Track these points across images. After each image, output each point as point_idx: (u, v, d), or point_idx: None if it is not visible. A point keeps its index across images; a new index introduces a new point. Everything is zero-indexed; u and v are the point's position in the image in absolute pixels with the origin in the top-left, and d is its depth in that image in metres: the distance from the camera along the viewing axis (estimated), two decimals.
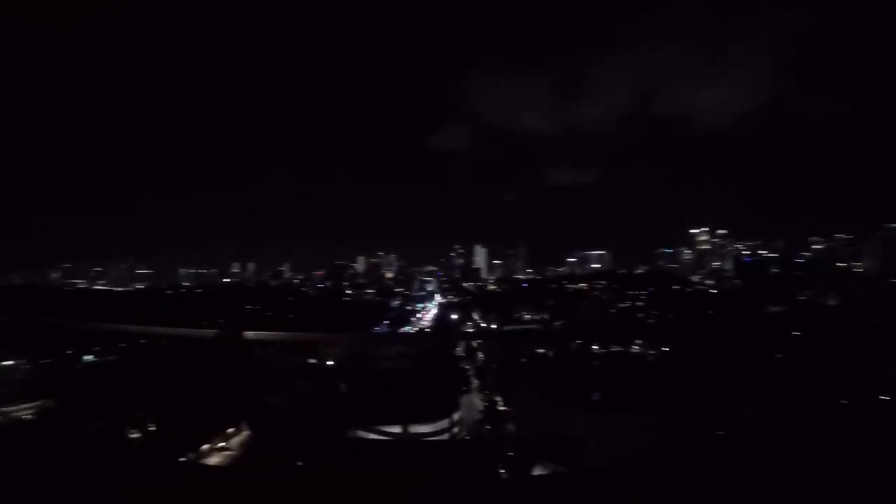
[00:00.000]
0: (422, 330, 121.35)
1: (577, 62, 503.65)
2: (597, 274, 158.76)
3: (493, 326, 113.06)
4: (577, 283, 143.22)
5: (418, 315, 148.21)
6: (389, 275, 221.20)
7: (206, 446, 39.97)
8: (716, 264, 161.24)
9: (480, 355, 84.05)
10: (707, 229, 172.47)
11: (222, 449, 41.06)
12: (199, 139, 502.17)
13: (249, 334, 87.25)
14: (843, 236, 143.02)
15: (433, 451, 34.69)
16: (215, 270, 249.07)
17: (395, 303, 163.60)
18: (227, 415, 43.88)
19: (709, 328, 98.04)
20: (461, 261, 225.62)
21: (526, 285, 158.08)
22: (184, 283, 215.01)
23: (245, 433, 43.22)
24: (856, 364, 57.86)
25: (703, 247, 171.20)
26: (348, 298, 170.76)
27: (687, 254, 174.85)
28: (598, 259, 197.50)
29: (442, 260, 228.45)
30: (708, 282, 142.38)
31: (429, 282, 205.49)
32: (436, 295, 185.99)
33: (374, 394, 50.64)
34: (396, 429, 40.86)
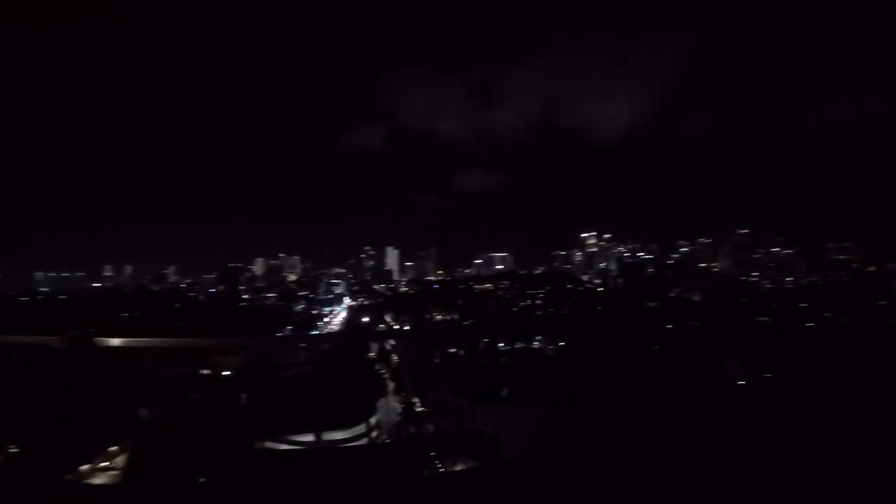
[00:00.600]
0: (331, 334, 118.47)
1: (490, 70, 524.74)
2: (500, 274, 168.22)
3: (407, 328, 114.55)
4: (483, 284, 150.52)
5: (326, 319, 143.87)
6: (293, 277, 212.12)
7: (86, 466, 36.19)
8: (602, 265, 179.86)
9: (395, 357, 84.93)
10: (595, 233, 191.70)
11: (106, 469, 37.42)
12: (69, 130, 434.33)
13: (116, 342, 78.41)
14: (704, 240, 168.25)
15: (351, 457, 34.82)
16: (82, 274, 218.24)
17: (300, 307, 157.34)
18: (104, 431, 39.82)
19: (597, 323, 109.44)
20: (372, 263, 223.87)
21: (437, 286, 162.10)
22: (41, 289, 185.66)
23: (130, 450, 39.66)
24: (706, 354, 68.47)
25: (592, 249, 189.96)
26: (245, 303, 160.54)
27: (578, 255, 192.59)
28: (502, 260, 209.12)
29: (351, 262, 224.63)
30: (596, 281, 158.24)
31: (337, 284, 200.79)
32: (345, 298, 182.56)
33: (280, 402, 48.90)
34: (309, 437, 40.06)
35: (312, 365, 69.55)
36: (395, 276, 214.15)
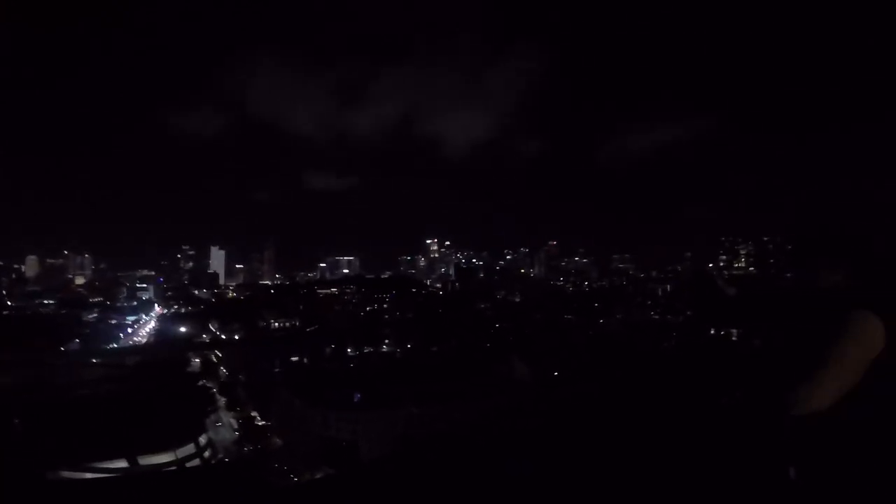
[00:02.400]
0: (136, 347, 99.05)
1: (354, 72, 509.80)
2: (346, 279, 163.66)
3: (237, 337, 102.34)
4: (328, 288, 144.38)
5: (129, 330, 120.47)
6: (81, 280, 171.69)
7: None
8: (443, 270, 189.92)
9: (224, 370, 74.86)
10: (437, 240, 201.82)
11: None
12: None
13: None
14: (524, 250, 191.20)
15: (180, 480, 29.44)
16: None
17: (91, 316, 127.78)
18: None
19: (438, 324, 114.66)
20: (191, 264, 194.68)
21: (274, 291, 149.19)
22: None
23: None
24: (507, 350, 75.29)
25: (434, 255, 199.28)
26: (10, 311, 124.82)
27: (422, 261, 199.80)
28: (348, 264, 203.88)
29: (164, 263, 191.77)
30: (438, 285, 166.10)
31: (144, 289, 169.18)
32: (155, 305, 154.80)
33: (71, 427, 38.87)
34: (121, 463, 33.18)
35: (114, 382, 56.51)
36: (222, 281, 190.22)
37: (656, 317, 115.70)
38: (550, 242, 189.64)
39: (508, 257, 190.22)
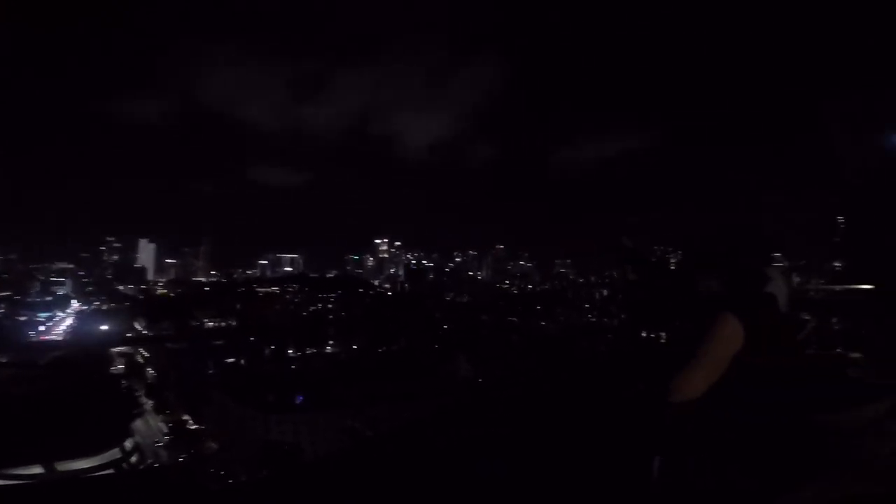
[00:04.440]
0: (48, 344, 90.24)
1: (314, 66, 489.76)
2: (289, 277, 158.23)
3: (166, 336, 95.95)
4: (269, 287, 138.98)
5: (42, 327, 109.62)
6: None
7: None
8: (392, 270, 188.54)
9: (151, 371, 69.93)
10: (387, 240, 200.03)
11: None
12: None
13: None
14: (473, 252, 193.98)
15: (104, 485, 27.38)
16: None
17: None
18: None
19: (386, 325, 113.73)
20: (117, 258, 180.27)
21: (209, 288, 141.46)
22: None
23: None
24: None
25: (383, 255, 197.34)
26: None
27: (371, 260, 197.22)
28: (291, 262, 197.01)
29: (85, 255, 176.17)
30: (386, 285, 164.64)
31: (61, 283, 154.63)
32: (72, 301, 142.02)
33: None
34: (36, 469, 30.39)
35: (26, 383, 51.28)
36: (151, 276, 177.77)
37: (593, 319, 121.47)
38: (497, 246, 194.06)
39: (458, 259, 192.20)
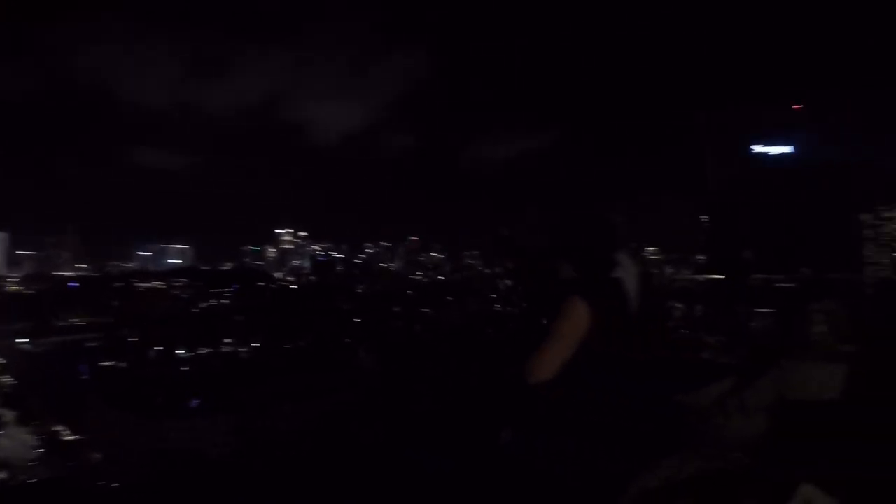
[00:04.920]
0: None
1: (217, 43, 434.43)
2: (177, 270, 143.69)
3: (23, 340, 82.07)
4: (152, 281, 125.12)
5: None
6: None
7: None
8: (296, 262, 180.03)
9: (8, 378, 59.64)
10: (291, 230, 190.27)
11: None
12: None
13: None
14: (385, 243, 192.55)
15: None
16: None
17: None
18: None
19: (290, 320, 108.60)
20: None
21: (76, 284, 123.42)
22: None
23: None
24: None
25: (287, 246, 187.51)
26: None
27: (272, 252, 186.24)
28: (180, 254, 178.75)
29: None
30: (290, 278, 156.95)
31: None
32: None
33: None
34: None
35: None
36: (2, 271, 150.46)
37: (499, 308, 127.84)
38: (412, 238, 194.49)
39: (369, 251, 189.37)
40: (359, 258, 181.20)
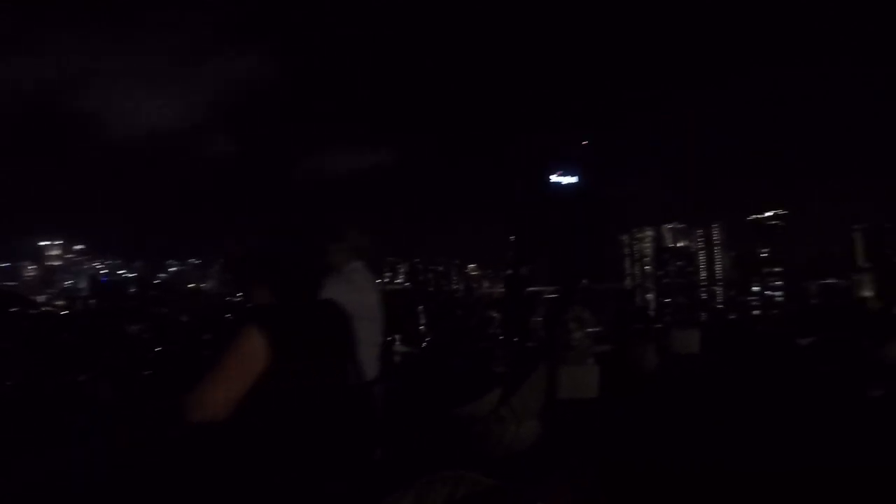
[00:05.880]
0: None
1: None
2: None
3: None
4: None
5: None
6: None
7: None
8: (69, 282, 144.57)
9: None
10: (61, 243, 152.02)
11: None
12: None
13: None
14: (195, 261, 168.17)
15: None
16: None
17: None
18: None
19: (61, 353, 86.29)
20: None
21: None
22: None
23: None
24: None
25: (55, 262, 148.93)
26: None
27: (32, 269, 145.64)
28: None
29: None
30: (59, 302, 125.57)
31: None
32: None
33: None
34: None
35: None
36: None
37: None
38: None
39: (173, 269, 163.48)
40: (159, 278, 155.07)
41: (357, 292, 2.44)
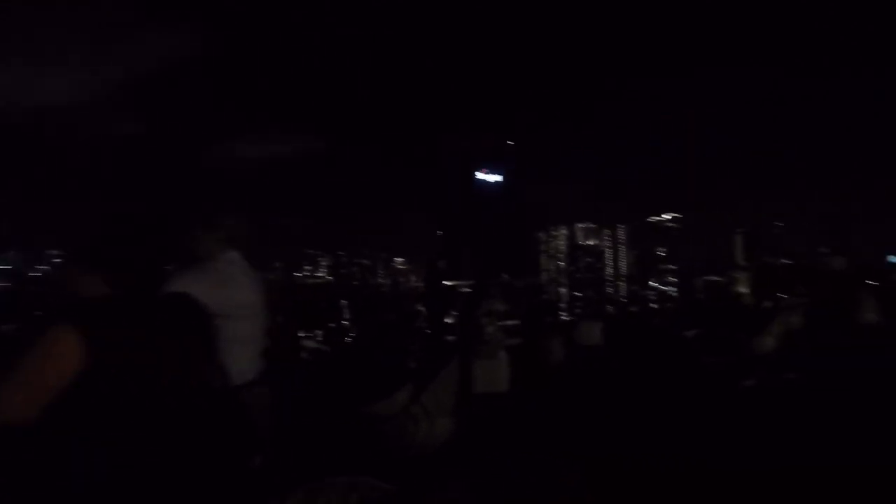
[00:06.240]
0: None
1: None
2: None
3: None
4: None
5: None
6: None
7: None
8: None
9: None
10: None
11: None
12: None
13: None
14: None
15: None
16: None
17: None
18: None
19: None
20: None
21: None
22: None
23: None
24: None
25: None
26: None
27: None
28: None
29: None
30: None
31: None
32: None
33: None
34: None
35: None
36: None
37: None
38: None
39: (56, 261, 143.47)
40: (39, 270, 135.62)
41: (225, 286, 2.16)
